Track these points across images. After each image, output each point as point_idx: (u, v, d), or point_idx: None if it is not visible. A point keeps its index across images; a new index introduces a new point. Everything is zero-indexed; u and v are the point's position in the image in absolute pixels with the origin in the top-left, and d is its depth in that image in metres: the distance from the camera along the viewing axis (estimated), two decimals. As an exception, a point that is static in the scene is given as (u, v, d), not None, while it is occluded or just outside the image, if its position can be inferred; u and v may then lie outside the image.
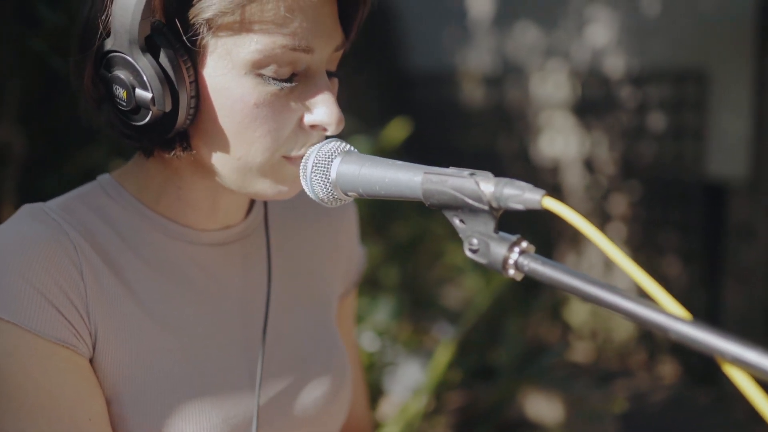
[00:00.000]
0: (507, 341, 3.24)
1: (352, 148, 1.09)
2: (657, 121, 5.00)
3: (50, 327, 1.05)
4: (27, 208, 1.13)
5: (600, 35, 5.20)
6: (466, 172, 0.95)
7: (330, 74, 1.15)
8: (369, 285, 3.50)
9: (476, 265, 4.32)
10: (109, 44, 1.06)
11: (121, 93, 1.06)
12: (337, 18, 1.12)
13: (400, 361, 3.40)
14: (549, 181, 5.54)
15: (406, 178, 0.99)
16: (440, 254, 4.24)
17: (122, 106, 1.07)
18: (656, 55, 4.94)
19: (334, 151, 1.07)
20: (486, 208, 0.92)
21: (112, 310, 1.11)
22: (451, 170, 0.96)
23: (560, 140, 5.54)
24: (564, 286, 0.88)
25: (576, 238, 5.41)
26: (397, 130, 3.69)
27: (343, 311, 1.47)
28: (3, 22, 3.37)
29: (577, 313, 5.30)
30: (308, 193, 1.09)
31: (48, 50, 2.50)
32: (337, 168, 1.06)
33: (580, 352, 5.27)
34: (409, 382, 3.30)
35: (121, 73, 1.05)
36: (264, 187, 1.12)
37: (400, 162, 1.02)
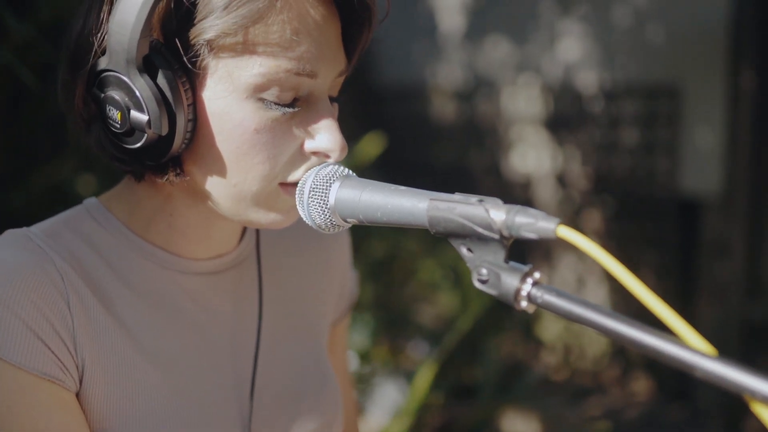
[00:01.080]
0: (486, 361, 3.20)
1: (351, 173, 1.04)
2: (630, 136, 5.01)
3: (36, 361, 1.00)
4: (9, 234, 1.07)
5: (572, 49, 5.20)
6: (474, 198, 0.90)
7: (331, 99, 1.10)
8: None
9: (451, 281, 4.30)
10: (103, 63, 1.00)
11: (115, 114, 1.00)
12: (341, 42, 1.07)
13: (377, 381, 3.36)
14: (521, 196, 5.53)
15: (410, 205, 0.94)
16: (414, 271, 4.20)
17: (115, 128, 1.01)
18: (628, 69, 4.95)
19: (333, 175, 1.02)
20: (496, 236, 0.87)
21: (99, 341, 1.06)
22: (459, 196, 0.91)
23: (532, 155, 5.53)
24: (581, 320, 0.84)
25: (549, 252, 5.40)
26: (371, 145, 3.66)
27: (335, 338, 1.42)
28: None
29: (548, 329, 5.28)
30: (305, 219, 1.04)
31: (15, 61, 2.43)
32: (336, 193, 1.01)
33: (553, 367, 5.25)
34: (387, 402, 3.25)
35: (116, 94, 1.00)
36: (258, 216, 1.07)
37: (402, 187, 0.97)
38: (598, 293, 5.18)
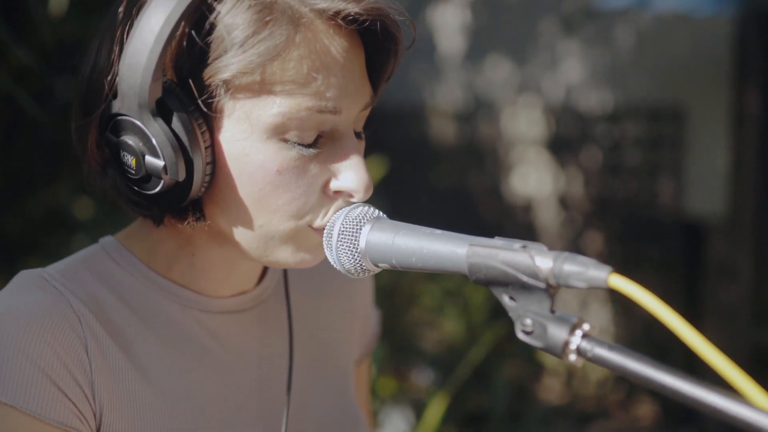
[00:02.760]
0: (495, 389, 3.15)
1: (382, 214, 0.99)
2: (633, 157, 4.98)
3: (53, 410, 0.95)
4: (24, 276, 1.02)
5: (574, 70, 5.18)
6: (517, 244, 0.85)
7: (357, 134, 1.05)
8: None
9: (453, 306, 4.25)
10: (116, 107, 0.95)
11: (130, 160, 0.95)
12: (365, 73, 1.02)
13: (384, 409, 3.30)
14: (522, 218, 5.49)
15: (448, 251, 0.89)
16: (416, 296, 4.16)
17: (131, 173, 0.96)
18: (632, 91, 4.92)
19: (363, 217, 0.97)
20: (542, 285, 0.82)
21: (118, 387, 1.00)
22: (500, 242, 0.87)
23: (534, 177, 5.49)
24: (633, 376, 0.79)
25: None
26: (373, 168, 3.62)
27: (358, 376, 1.37)
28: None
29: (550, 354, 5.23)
30: (333, 263, 0.99)
31: (13, 86, 2.38)
32: (367, 236, 0.96)
33: (556, 392, 5.19)
34: (394, 432, 3.20)
35: (130, 139, 0.95)
36: (286, 256, 1.02)
37: (438, 231, 0.92)
38: (601, 316, 5.13)
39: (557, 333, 0.82)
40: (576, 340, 0.81)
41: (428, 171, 6.16)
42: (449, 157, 6.03)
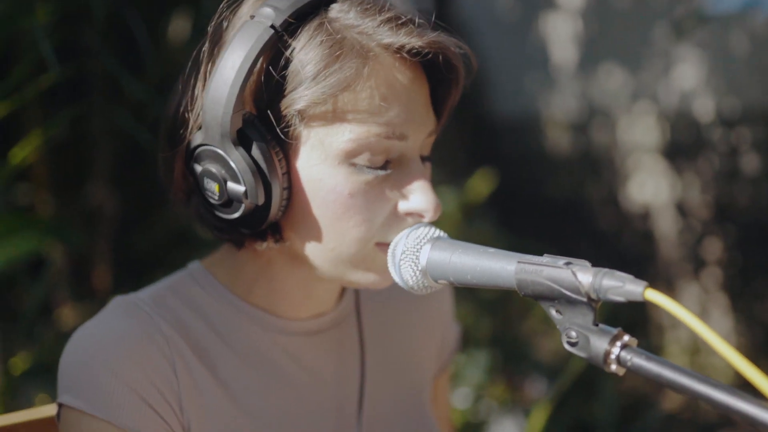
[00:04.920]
0: (604, 398, 3.15)
1: (442, 234, 1.06)
2: (750, 163, 4.86)
3: (145, 426, 1.05)
4: (118, 302, 1.13)
5: (688, 76, 5.10)
6: (561, 261, 0.91)
7: (423, 158, 1.12)
8: (461, 341, 3.46)
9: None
10: (199, 138, 1.05)
11: (213, 186, 1.05)
12: (429, 103, 1.10)
13: (494, 419, 3.33)
14: (640, 227, 5.42)
15: (499, 267, 0.96)
16: (530, 306, 4.16)
17: (213, 199, 1.06)
18: (748, 95, 4.81)
19: (424, 237, 1.05)
20: (584, 299, 0.88)
21: (204, 404, 1.10)
22: (546, 259, 0.93)
23: (650, 185, 5.42)
24: (670, 384, 0.84)
25: (670, 282, 5.27)
26: (482, 181, 3.66)
27: (437, 390, 1.44)
28: (93, 91, 3.47)
29: (674, 360, 5.14)
30: (397, 280, 1.06)
31: (131, 121, 2.56)
32: (428, 255, 1.03)
33: (679, 404, 5.10)
34: (504, 441, 3.23)
35: (213, 167, 1.04)
36: (357, 277, 1.10)
37: (491, 249, 0.99)
38: (723, 325, 5.03)
39: (599, 344, 0.87)
40: (616, 351, 0.86)
41: (543, 182, 6.15)
42: (564, 167, 6.01)
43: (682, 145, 5.20)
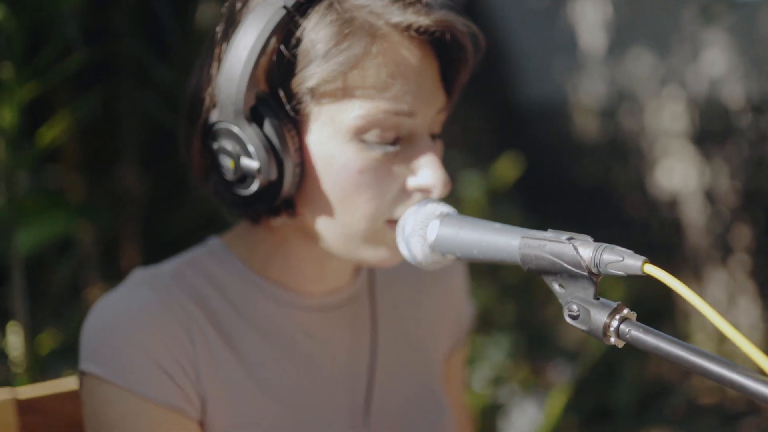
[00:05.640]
0: (624, 382, 3.16)
1: (451, 210, 1.08)
2: (780, 149, 4.83)
3: (162, 393, 1.08)
4: (139, 274, 1.17)
5: (717, 61, 5.06)
6: (564, 236, 0.93)
7: (434, 136, 1.15)
8: (484, 324, 3.47)
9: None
10: (215, 116, 1.08)
11: (228, 163, 1.08)
12: (439, 81, 1.12)
13: (515, 403, 3.35)
14: (668, 213, 5.40)
15: (504, 242, 0.98)
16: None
17: (229, 176, 1.09)
18: (777, 81, 4.78)
19: (432, 213, 1.07)
20: (585, 273, 0.90)
21: (220, 374, 1.13)
22: (549, 234, 0.95)
23: (679, 171, 5.40)
24: (667, 355, 0.86)
25: (698, 270, 5.26)
26: (508, 165, 3.67)
27: (451, 369, 1.46)
28: (122, 75, 3.51)
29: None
30: (406, 255, 1.09)
31: (159, 106, 2.60)
32: (436, 231, 1.05)
33: (703, 390, 5.09)
34: (525, 425, 3.25)
35: (227, 144, 1.07)
36: (368, 254, 1.12)
37: (497, 225, 1.01)
38: (751, 312, 5.01)
39: (598, 317, 0.90)
40: (615, 323, 0.89)
41: (571, 167, 6.13)
42: (592, 152, 5.99)
43: (711, 131, 5.17)
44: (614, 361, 3.54)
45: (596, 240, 0.92)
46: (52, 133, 2.26)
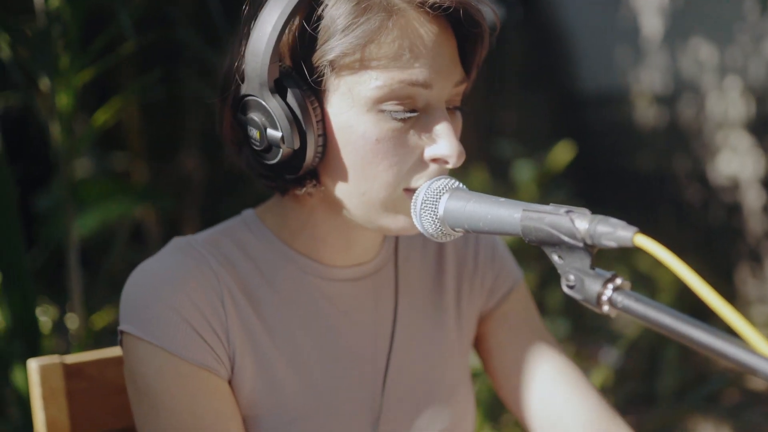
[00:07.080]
0: (667, 367, 3.16)
1: (461, 185, 1.13)
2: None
3: (194, 352, 1.15)
4: (176, 242, 1.24)
5: (778, 50, 5.00)
6: (563, 209, 0.97)
7: (456, 108, 1.19)
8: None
9: (642, 288, 4.22)
10: (243, 89, 1.15)
11: (255, 133, 1.15)
12: (456, 56, 1.16)
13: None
14: (727, 201, 5.34)
15: (507, 215, 1.03)
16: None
17: (256, 146, 1.15)
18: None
19: (443, 188, 1.12)
20: (581, 245, 0.94)
21: (247, 337, 1.20)
22: (549, 207, 0.99)
23: (737, 159, 5.34)
24: (658, 325, 0.89)
25: (758, 258, 5.20)
26: (562, 153, 3.68)
27: (506, 317, 1.44)
28: (181, 62, 3.61)
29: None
30: (418, 228, 1.14)
31: (207, 90, 2.68)
32: (445, 204, 1.10)
33: (757, 378, 5.03)
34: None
35: (255, 115, 1.14)
36: (388, 222, 1.17)
37: (502, 199, 1.05)
38: None
39: (592, 286, 0.94)
40: (608, 293, 0.92)
41: (630, 155, 6.10)
42: (651, 140, 5.95)
43: (770, 120, 5.11)
44: (660, 345, 3.53)
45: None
46: (106, 114, 2.34)
